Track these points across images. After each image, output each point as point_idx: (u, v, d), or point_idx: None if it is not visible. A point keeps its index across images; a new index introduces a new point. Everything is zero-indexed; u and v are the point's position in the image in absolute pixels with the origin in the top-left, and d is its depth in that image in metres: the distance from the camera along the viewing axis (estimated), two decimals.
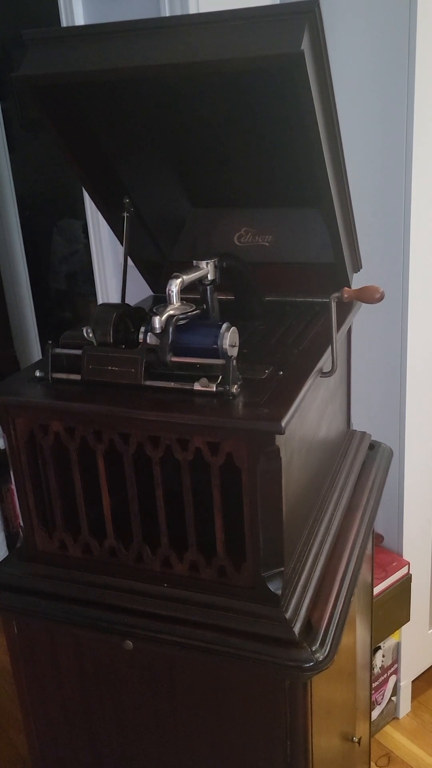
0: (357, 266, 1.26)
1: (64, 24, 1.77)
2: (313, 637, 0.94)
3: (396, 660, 1.97)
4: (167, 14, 1.53)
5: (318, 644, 0.93)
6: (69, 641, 1.10)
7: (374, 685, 1.88)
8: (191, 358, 0.95)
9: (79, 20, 1.75)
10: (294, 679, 0.95)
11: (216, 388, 0.91)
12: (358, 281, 1.20)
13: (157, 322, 0.95)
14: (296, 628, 0.93)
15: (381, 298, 1.04)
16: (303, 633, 0.94)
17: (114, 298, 1.98)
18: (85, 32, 1.00)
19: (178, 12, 1.52)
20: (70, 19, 1.76)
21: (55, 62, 0.99)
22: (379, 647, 1.88)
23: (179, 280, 0.98)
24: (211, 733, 1.06)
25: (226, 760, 1.07)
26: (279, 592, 0.94)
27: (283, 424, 0.85)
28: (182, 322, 0.99)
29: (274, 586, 0.94)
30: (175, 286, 0.97)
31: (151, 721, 1.10)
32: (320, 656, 0.92)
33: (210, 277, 1.07)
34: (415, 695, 2.07)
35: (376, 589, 1.76)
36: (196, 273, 1.04)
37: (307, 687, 0.96)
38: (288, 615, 0.94)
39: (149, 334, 0.97)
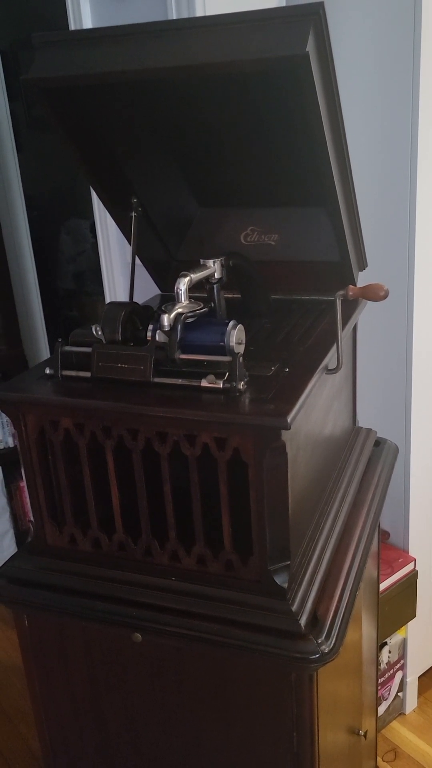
0: (362, 264, 1.27)
1: (72, 26, 1.79)
2: (319, 629, 0.96)
3: (402, 656, 1.98)
4: (174, 17, 1.55)
5: (324, 636, 0.95)
6: (78, 634, 1.12)
7: (380, 680, 1.89)
8: (198, 356, 0.97)
9: (87, 23, 1.77)
10: (300, 671, 0.96)
11: (223, 384, 0.92)
12: (363, 279, 1.22)
13: (166, 320, 0.96)
14: (302, 621, 0.95)
15: (385, 296, 1.05)
16: (309, 625, 0.95)
17: (121, 296, 1.99)
18: (93, 35, 1.02)
19: (184, 15, 1.53)
20: (78, 21, 1.77)
21: (64, 65, 1.00)
22: (386, 643, 1.89)
23: (187, 278, 0.99)
24: (218, 725, 1.07)
25: (233, 752, 1.08)
26: (285, 585, 0.95)
27: (288, 419, 0.86)
28: (190, 320, 1.00)
29: (281, 580, 0.95)
30: (183, 285, 0.98)
31: (159, 713, 1.11)
32: (326, 648, 0.94)
33: (217, 275, 1.09)
34: (421, 691, 2.08)
35: (382, 585, 1.77)
36: (204, 272, 1.06)
37: (312, 679, 0.97)
38: (294, 608, 0.95)
39: (158, 331, 0.99)
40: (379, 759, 1.86)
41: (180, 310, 0.98)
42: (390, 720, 2.01)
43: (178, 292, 0.98)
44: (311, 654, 0.92)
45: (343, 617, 1.00)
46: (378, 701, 1.78)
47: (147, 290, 1.38)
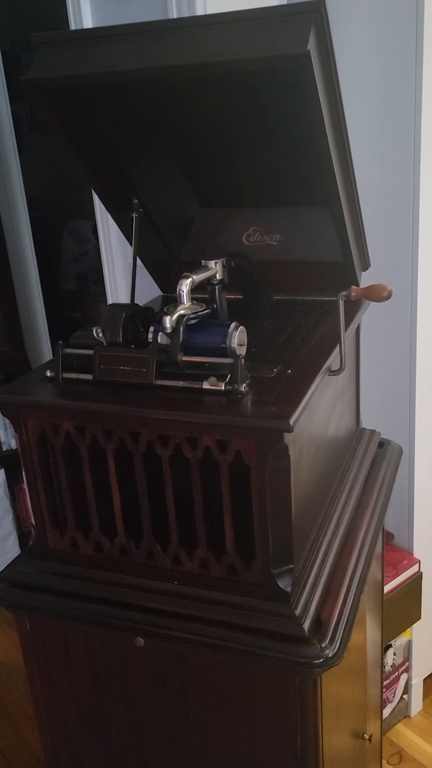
0: (365, 265, 1.26)
1: (72, 26, 1.78)
2: (323, 633, 0.95)
3: (407, 658, 1.97)
4: (174, 16, 1.54)
5: (328, 641, 0.94)
6: (80, 638, 1.11)
7: (385, 683, 1.88)
8: (200, 357, 0.96)
9: (88, 22, 1.76)
10: (304, 676, 0.95)
11: (225, 386, 0.92)
12: (366, 280, 1.21)
13: (168, 321, 0.95)
14: (306, 625, 0.94)
15: (389, 297, 1.04)
16: (313, 630, 0.95)
17: (124, 298, 1.99)
18: (93, 35, 1.01)
19: (185, 13, 1.53)
20: (78, 21, 1.77)
21: (64, 65, 0.99)
22: (391, 645, 1.88)
23: (189, 280, 0.98)
24: (221, 730, 1.06)
25: (236, 756, 1.07)
26: (288, 589, 0.95)
27: (291, 422, 0.85)
28: (192, 321, 1.00)
29: (284, 584, 0.95)
30: (185, 286, 0.97)
31: (161, 717, 1.10)
32: (330, 653, 0.93)
33: (218, 276, 1.08)
34: (426, 693, 2.07)
35: (387, 587, 1.76)
36: (206, 273, 1.05)
37: (317, 684, 0.96)
38: (297, 612, 0.94)
39: (159, 333, 0.98)
40: (384, 762, 1.85)
41: (182, 312, 0.97)
42: (395, 722, 2.00)
43: (180, 294, 0.98)
44: (315, 659, 0.92)
45: (348, 621, 0.99)
46: (383, 704, 1.77)
47: (149, 291, 1.38)
